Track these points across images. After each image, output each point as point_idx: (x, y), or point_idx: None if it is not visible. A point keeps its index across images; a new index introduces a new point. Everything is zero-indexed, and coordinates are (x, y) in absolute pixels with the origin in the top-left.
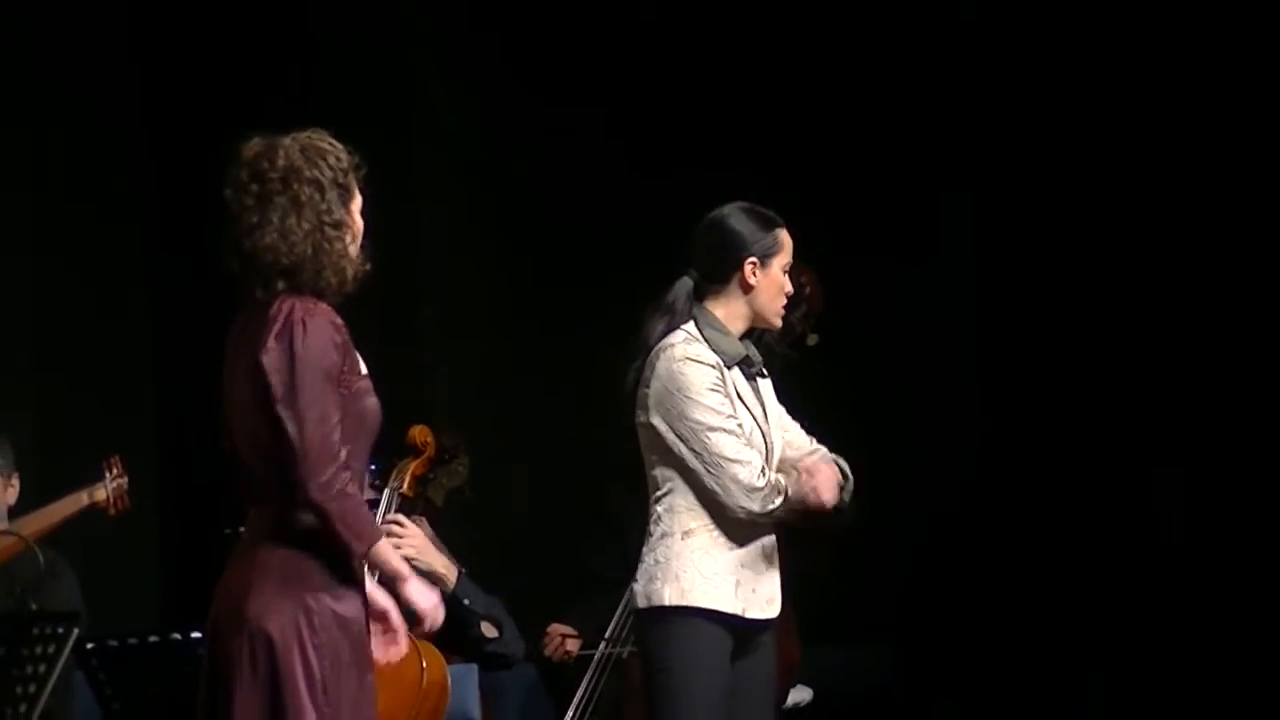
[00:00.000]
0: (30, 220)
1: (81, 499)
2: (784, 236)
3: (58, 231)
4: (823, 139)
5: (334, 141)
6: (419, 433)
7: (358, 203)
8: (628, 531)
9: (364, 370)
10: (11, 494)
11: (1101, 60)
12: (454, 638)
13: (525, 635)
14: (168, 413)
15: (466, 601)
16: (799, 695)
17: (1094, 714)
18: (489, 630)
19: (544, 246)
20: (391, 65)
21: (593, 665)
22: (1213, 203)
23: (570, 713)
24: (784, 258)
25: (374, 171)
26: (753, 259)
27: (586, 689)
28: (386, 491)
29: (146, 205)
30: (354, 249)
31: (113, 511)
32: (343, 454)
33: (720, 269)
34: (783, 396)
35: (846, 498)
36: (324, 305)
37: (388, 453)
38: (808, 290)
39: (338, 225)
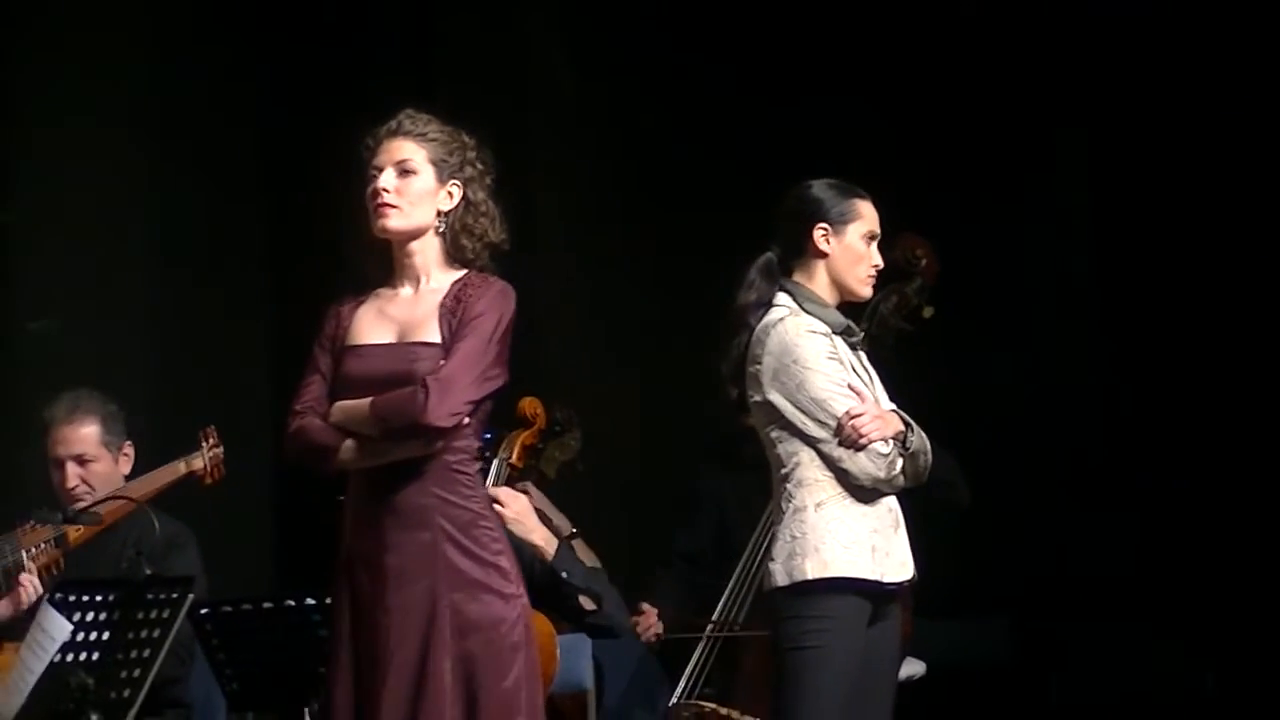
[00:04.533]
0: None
1: (179, 468)
2: (862, 206)
3: (175, 199)
4: (941, 107)
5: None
6: (529, 404)
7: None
8: (723, 511)
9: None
10: (125, 464)
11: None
12: (556, 608)
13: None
14: (283, 378)
15: (564, 574)
16: (911, 668)
17: (1209, 696)
18: (587, 603)
19: (662, 219)
20: (507, 34)
21: (701, 643)
22: None
23: (681, 684)
24: (862, 227)
25: (490, 144)
26: (824, 225)
27: (696, 664)
28: (496, 461)
29: (262, 184)
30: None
31: (208, 480)
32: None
33: (794, 239)
34: (897, 370)
35: (911, 446)
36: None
37: (499, 424)
38: (923, 263)
39: None
